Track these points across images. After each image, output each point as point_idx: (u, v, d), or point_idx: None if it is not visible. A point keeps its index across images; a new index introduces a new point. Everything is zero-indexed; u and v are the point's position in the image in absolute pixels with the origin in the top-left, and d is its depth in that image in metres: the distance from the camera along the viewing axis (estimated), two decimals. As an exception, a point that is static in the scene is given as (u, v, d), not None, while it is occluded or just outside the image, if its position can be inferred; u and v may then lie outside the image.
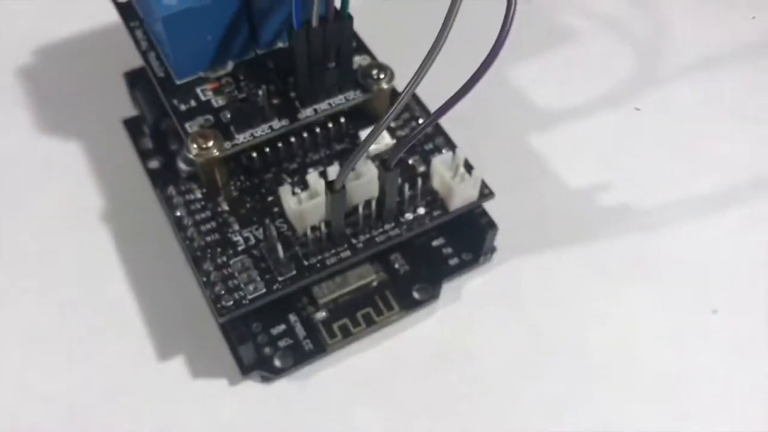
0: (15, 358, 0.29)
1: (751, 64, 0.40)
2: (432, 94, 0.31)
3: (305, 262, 0.27)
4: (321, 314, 0.30)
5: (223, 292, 0.26)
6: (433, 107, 0.31)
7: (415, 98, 0.32)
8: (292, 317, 0.29)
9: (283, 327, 0.29)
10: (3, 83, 0.38)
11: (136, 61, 0.34)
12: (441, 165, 0.28)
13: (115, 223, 0.33)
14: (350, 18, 0.27)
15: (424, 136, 0.31)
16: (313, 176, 0.27)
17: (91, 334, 0.30)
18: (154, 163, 0.34)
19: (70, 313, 0.31)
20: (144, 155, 0.34)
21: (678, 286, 0.32)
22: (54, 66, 0.39)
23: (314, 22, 0.26)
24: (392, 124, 0.31)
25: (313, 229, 0.28)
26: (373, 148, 0.30)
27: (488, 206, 0.30)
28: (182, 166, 0.32)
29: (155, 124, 0.33)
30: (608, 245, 0.33)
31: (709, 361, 0.30)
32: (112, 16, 0.33)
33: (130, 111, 0.36)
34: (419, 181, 0.28)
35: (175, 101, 0.29)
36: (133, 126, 0.35)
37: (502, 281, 0.31)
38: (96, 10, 0.40)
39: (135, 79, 0.34)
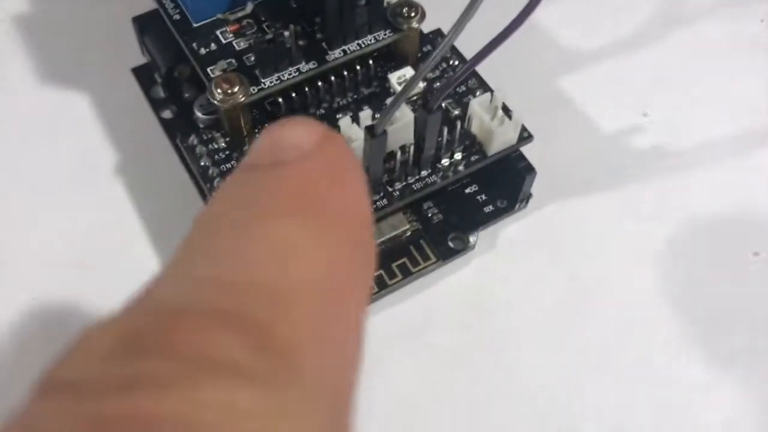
0: (36, 319, 0.28)
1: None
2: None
3: (340, 212, 0.26)
4: (355, 266, 0.28)
5: (255, 244, 0.25)
6: (462, 47, 0.30)
7: (443, 36, 0.31)
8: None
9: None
10: (-3, 33, 0.36)
11: (143, 4, 0.33)
12: (479, 108, 0.27)
13: (130, 177, 0.32)
14: (383, -51, 0.25)
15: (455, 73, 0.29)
16: (345, 122, 0.26)
17: (112, 295, 0.29)
18: (167, 113, 0.32)
19: (90, 275, 0.29)
20: (156, 105, 0.32)
21: (715, 227, 0.31)
22: (51, 10, 0.37)
23: (346, -45, 0.24)
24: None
25: (347, 177, 0.26)
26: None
27: (522, 151, 0.29)
28: (200, 114, 0.30)
29: (169, 72, 0.31)
30: (642, 188, 0.32)
31: (751, 304, 0.29)
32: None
33: (137, 58, 0.34)
34: (458, 124, 0.26)
35: (195, 45, 0.27)
36: (143, 74, 0.33)
37: (538, 228, 0.30)
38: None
39: (145, 24, 0.32)
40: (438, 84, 0.29)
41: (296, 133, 0.13)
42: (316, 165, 0.13)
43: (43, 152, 0.32)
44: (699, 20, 0.37)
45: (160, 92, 0.33)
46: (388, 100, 0.27)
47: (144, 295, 0.12)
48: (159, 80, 0.32)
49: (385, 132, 0.24)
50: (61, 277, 0.29)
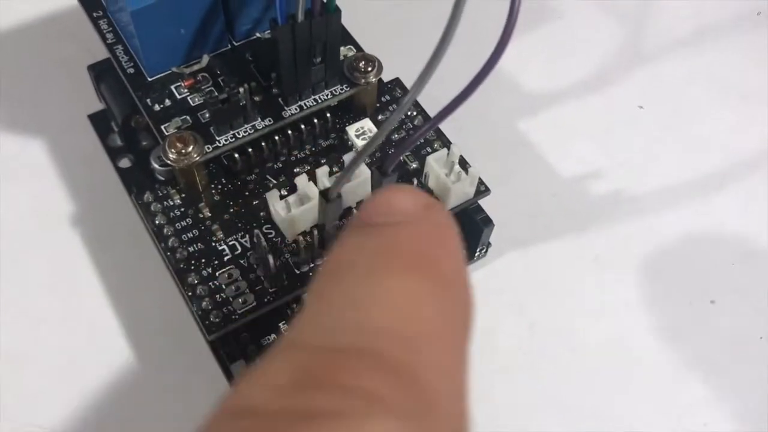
0: (-13, 380, 0.28)
1: (739, 39, 0.39)
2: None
3: (297, 271, 0.26)
4: (313, 322, 0.28)
5: (210, 307, 0.25)
6: (422, 99, 0.30)
7: (402, 88, 0.31)
8: (283, 326, 0.28)
9: (273, 337, 0.28)
10: (-47, 75, 0.36)
11: (100, 50, 0.32)
12: (436, 163, 0.27)
13: (86, 227, 0.31)
14: (338, 11, 0.25)
15: (414, 131, 0.29)
16: (301, 179, 0.26)
17: (67, 351, 0.28)
18: (124, 162, 0.32)
19: (42, 329, 0.29)
20: (113, 153, 0.32)
21: (673, 275, 0.31)
22: (6, 53, 0.36)
23: (300, 17, 0.24)
24: (380, 117, 0.30)
25: (304, 234, 0.26)
26: (361, 144, 0.28)
27: (481, 199, 0.29)
28: (156, 165, 0.30)
29: (125, 121, 0.31)
30: (601, 235, 0.32)
31: (708, 352, 0.29)
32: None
33: (95, 104, 0.34)
34: (414, 182, 0.26)
35: (149, 101, 0.27)
36: (99, 121, 0.33)
37: (497, 277, 0.31)
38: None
39: (101, 72, 0.32)
40: (394, 146, 0.29)
41: (405, 199, 0.16)
42: (427, 229, 0.15)
43: (-2, 199, 0.32)
44: (657, 60, 0.38)
45: (117, 140, 0.32)
46: (346, 156, 0.27)
47: (295, 336, 0.14)
48: (116, 129, 0.32)
49: (339, 195, 0.24)
50: (14, 327, 0.29)
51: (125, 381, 0.28)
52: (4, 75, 0.36)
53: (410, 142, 0.24)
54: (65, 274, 0.30)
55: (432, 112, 0.28)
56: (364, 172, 0.26)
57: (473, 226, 0.29)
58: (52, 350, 0.28)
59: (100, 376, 0.28)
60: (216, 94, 0.27)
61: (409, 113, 0.30)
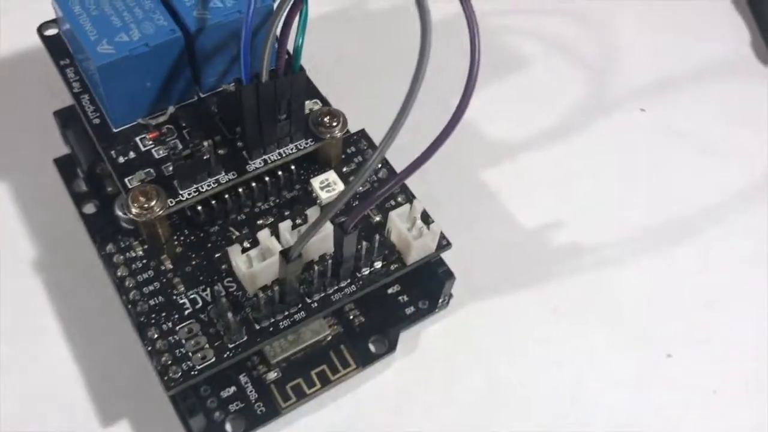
0: (-58, 431, 0.27)
1: (698, 92, 0.40)
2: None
3: (257, 326, 0.26)
4: (273, 374, 0.28)
5: (170, 362, 0.25)
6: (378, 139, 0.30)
7: (367, 140, 0.31)
8: (243, 378, 0.28)
9: (233, 389, 0.28)
10: None
11: (66, 93, 0.32)
12: (398, 218, 0.27)
13: (48, 273, 0.31)
14: (302, 71, 0.25)
15: (379, 184, 0.29)
16: (263, 234, 0.26)
17: (24, 401, 0.28)
18: (89, 207, 0.32)
19: (3, 378, 0.28)
20: (78, 198, 0.32)
21: (632, 327, 0.32)
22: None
23: (264, 77, 0.24)
24: (345, 169, 0.30)
25: (264, 288, 0.26)
26: (325, 196, 0.29)
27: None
28: (120, 213, 0.30)
29: (90, 167, 0.31)
30: (561, 286, 0.32)
31: (664, 405, 0.30)
32: (29, 38, 0.30)
33: (60, 148, 0.34)
34: (377, 237, 0.27)
35: (113, 153, 0.27)
36: (65, 166, 0.33)
37: (458, 328, 0.31)
38: (19, 32, 0.37)
39: (67, 119, 0.32)
40: (358, 201, 0.29)
41: None
42: None
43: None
44: (618, 111, 0.38)
45: (83, 186, 0.32)
46: (309, 212, 0.27)
47: None
48: (81, 174, 0.32)
49: (300, 256, 0.24)
50: (-28, 382, 0.28)
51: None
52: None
53: (374, 199, 0.24)
54: (26, 322, 0.30)
55: (396, 159, 0.28)
56: (327, 228, 0.26)
57: (434, 279, 0.29)
58: (12, 398, 0.28)
59: (59, 426, 0.28)
60: (180, 147, 0.27)
61: (366, 156, 0.30)
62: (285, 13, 0.23)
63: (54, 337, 0.30)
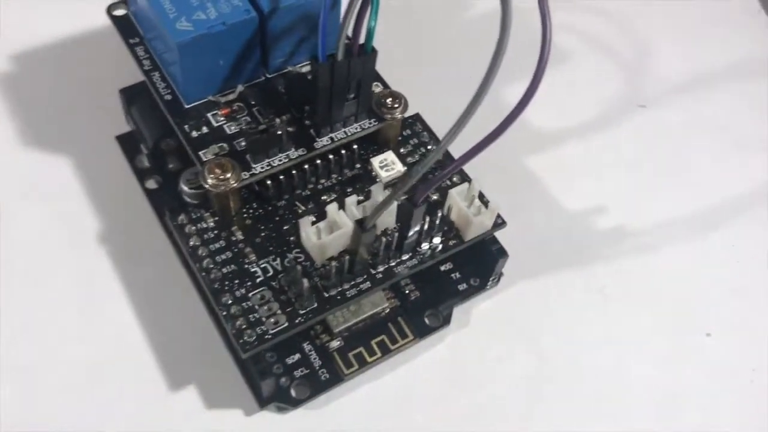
0: (15, 395, 0.28)
1: (733, 87, 0.41)
2: (436, 118, 0.32)
3: (326, 294, 0.27)
4: (336, 343, 0.30)
5: (244, 326, 0.26)
6: (436, 128, 0.32)
7: (422, 123, 0.32)
8: (307, 346, 0.29)
9: (297, 356, 0.29)
10: (-20, 92, 0.36)
11: (126, 72, 0.33)
12: (458, 197, 0.28)
13: (112, 245, 0.32)
14: (374, 52, 0.27)
15: (438, 165, 0.31)
16: (332, 207, 0.27)
17: (95, 366, 0.29)
18: (151, 183, 0.33)
19: (71, 344, 0.30)
20: (141, 174, 0.33)
21: (672, 308, 0.33)
22: (36, 73, 0.37)
23: (339, 56, 0.26)
24: (402, 150, 0.31)
25: (332, 259, 0.27)
26: (385, 174, 0.30)
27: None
28: (186, 188, 0.31)
29: (155, 144, 0.32)
30: (605, 268, 0.34)
31: (703, 383, 0.31)
32: (99, 20, 0.31)
33: (121, 126, 0.35)
34: (439, 213, 0.28)
35: (186, 127, 0.28)
36: (127, 143, 0.34)
37: (508, 306, 0.32)
38: (82, 13, 0.39)
39: (132, 96, 0.33)
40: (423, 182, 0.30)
41: None
42: None
43: (26, 213, 0.33)
44: (656, 105, 0.40)
45: (145, 162, 0.33)
46: (374, 188, 0.28)
47: None
48: (144, 151, 0.33)
49: (374, 226, 0.25)
50: (41, 342, 0.29)
51: (150, 398, 0.29)
52: (33, 94, 0.36)
53: (439, 178, 0.25)
54: (92, 291, 0.31)
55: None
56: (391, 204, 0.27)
57: (488, 257, 0.31)
58: (79, 365, 0.29)
59: (126, 391, 0.29)
60: (253, 124, 0.28)
61: (429, 147, 0.31)
62: (362, -2, 0.25)
63: (120, 306, 0.31)
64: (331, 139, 0.29)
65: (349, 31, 0.25)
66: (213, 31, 0.27)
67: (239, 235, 0.28)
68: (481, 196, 0.29)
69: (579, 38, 0.42)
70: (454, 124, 0.23)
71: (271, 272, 0.27)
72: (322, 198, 0.30)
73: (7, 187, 0.33)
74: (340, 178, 0.30)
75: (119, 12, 0.31)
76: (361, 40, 0.26)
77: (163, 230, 0.32)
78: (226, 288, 0.27)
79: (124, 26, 0.31)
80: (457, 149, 0.25)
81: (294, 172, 0.29)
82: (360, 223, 0.25)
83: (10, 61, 0.37)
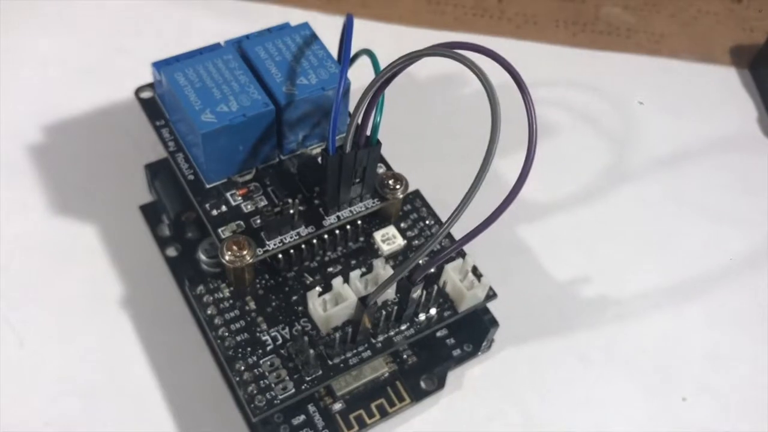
0: (44, 446, 0.31)
1: (712, 163, 0.44)
2: (434, 187, 0.35)
3: (330, 362, 0.30)
4: (338, 405, 0.32)
5: (255, 392, 0.29)
6: (435, 197, 0.35)
7: (422, 199, 0.35)
8: (311, 408, 0.32)
9: (303, 417, 0.31)
10: (13, 160, 0.39)
11: (149, 146, 0.36)
12: (452, 272, 0.31)
13: (133, 308, 0.35)
14: (379, 144, 0.30)
15: (443, 250, 0.33)
16: (337, 281, 0.30)
17: (113, 421, 0.32)
18: (171, 251, 0.36)
19: (91, 401, 0.32)
20: (161, 242, 0.36)
21: (651, 373, 0.35)
22: (64, 145, 0.40)
23: (348, 148, 0.29)
24: (402, 225, 0.34)
25: (336, 329, 0.30)
26: (386, 248, 0.33)
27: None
28: (204, 257, 0.34)
29: (177, 216, 0.35)
30: (589, 335, 0.36)
31: (680, 444, 0.33)
32: (127, 97, 0.34)
33: (144, 195, 0.38)
34: (435, 286, 0.31)
35: (207, 206, 0.31)
36: (149, 212, 0.37)
37: (498, 370, 0.35)
38: (111, 90, 0.42)
39: (156, 172, 0.36)
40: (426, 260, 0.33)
41: None
42: None
43: (51, 277, 0.35)
44: (639, 179, 0.43)
45: (166, 231, 0.36)
46: (376, 262, 0.31)
47: None
48: (166, 221, 0.36)
49: (376, 303, 0.28)
50: (69, 404, 0.32)
51: (166, 451, 0.31)
52: (63, 164, 0.39)
53: (438, 259, 0.28)
54: (114, 352, 0.34)
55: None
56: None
57: (481, 325, 0.33)
58: (101, 422, 0.32)
59: (144, 446, 0.31)
60: (266, 204, 0.31)
61: (427, 222, 0.34)
62: (370, 98, 0.28)
63: (140, 366, 0.33)
64: (338, 217, 0.31)
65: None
66: (234, 123, 0.30)
67: (252, 305, 0.31)
68: (475, 270, 0.32)
69: (566, 112, 0.46)
70: (453, 212, 0.26)
71: (281, 340, 0.30)
72: (328, 269, 0.32)
73: (37, 251, 0.36)
74: (344, 250, 0.33)
75: (146, 95, 0.35)
76: (368, 132, 0.29)
77: (181, 295, 0.35)
78: (240, 355, 0.29)
79: (151, 108, 0.34)
80: (456, 226, 0.27)
81: (303, 246, 0.32)
82: (363, 300, 0.28)
83: (43, 132, 0.41)
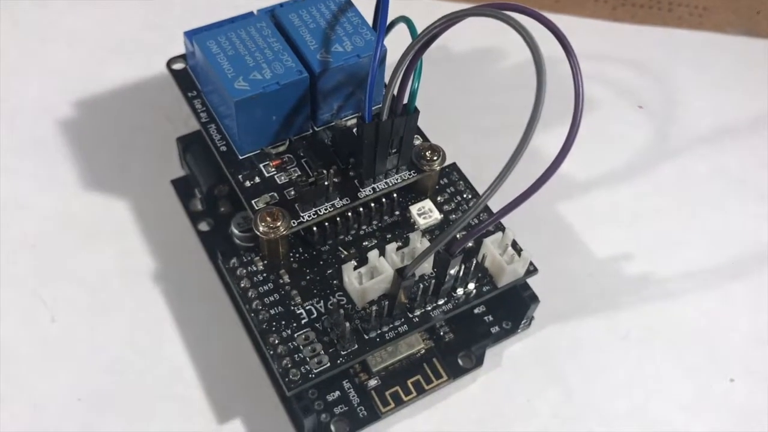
0: (76, 421, 0.30)
1: (756, 140, 0.42)
2: (472, 162, 0.34)
3: (366, 336, 0.29)
4: (373, 382, 0.31)
5: (290, 365, 0.28)
6: (472, 172, 0.34)
7: (459, 173, 0.34)
8: (346, 384, 0.31)
9: (337, 393, 0.31)
10: (43, 136, 0.39)
11: (179, 120, 0.36)
12: (492, 245, 0.30)
13: (166, 283, 0.34)
14: (416, 112, 0.29)
15: (482, 222, 0.32)
16: (372, 254, 0.29)
17: (146, 396, 0.31)
18: (203, 225, 0.35)
19: (124, 375, 0.32)
20: (194, 217, 0.36)
21: (696, 354, 0.34)
22: (95, 121, 0.40)
23: (384, 116, 0.28)
24: (439, 198, 0.33)
25: (372, 303, 0.29)
26: (422, 222, 0.32)
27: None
28: (237, 231, 0.33)
29: (210, 189, 0.34)
30: (631, 314, 0.35)
31: (727, 427, 0.32)
32: (159, 70, 0.34)
33: (176, 169, 0.37)
34: (473, 260, 0.30)
35: (240, 177, 0.30)
36: (181, 187, 0.36)
37: (538, 348, 0.34)
38: (142, 63, 0.41)
39: (188, 145, 0.35)
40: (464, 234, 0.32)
41: None
42: None
43: (84, 253, 0.35)
44: (681, 156, 0.41)
45: (198, 205, 0.36)
46: (412, 235, 0.30)
47: None
48: (198, 195, 0.35)
49: (413, 275, 0.27)
50: (101, 380, 0.32)
51: (200, 430, 0.31)
52: (94, 139, 0.39)
53: (476, 231, 0.27)
54: (146, 328, 0.33)
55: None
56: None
57: (520, 302, 0.32)
58: (133, 396, 0.31)
59: (176, 424, 0.31)
60: (300, 174, 0.30)
61: (464, 196, 0.33)
62: (407, 63, 0.27)
63: (172, 342, 0.33)
64: (374, 189, 0.31)
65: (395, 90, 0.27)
66: (268, 91, 0.29)
67: (286, 278, 0.30)
68: (515, 244, 0.31)
69: (606, 87, 0.44)
70: (493, 181, 0.24)
71: (315, 314, 0.29)
72: (364, 243, 0.32)
73: (69, 227, 0.36)
74: (380, 224, 0.32)
75: (178, 66, 0.34)
76: (405, 100, 0.28)
77: (214, 270, 0.34)
78: (274, 329, 0.29)
79: (183, 79, 0.34)
80: (494, 200, 0.26)
81: (338, 219, 0.31)
82: (400, 272, 0.27)
83: (74, 108, 0.40)
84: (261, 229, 0.29)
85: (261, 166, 0.31)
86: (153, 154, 0.38)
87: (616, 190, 0.40)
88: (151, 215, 0.36)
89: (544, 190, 0.39)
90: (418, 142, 0.32)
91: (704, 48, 0.47)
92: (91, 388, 0.31)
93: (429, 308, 0.30)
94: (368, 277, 0.29)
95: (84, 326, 0.33)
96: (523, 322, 0.33)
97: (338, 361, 0.28)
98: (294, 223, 0.29)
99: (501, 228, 0.32)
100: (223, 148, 0.31)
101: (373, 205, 0.32)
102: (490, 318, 0.33)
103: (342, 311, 0.28)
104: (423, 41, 0.26)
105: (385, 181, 0.31)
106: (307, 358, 0.28)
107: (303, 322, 0.29)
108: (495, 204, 0.26)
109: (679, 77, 0.45)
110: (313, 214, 0.30)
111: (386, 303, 0.29)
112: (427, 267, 0.30)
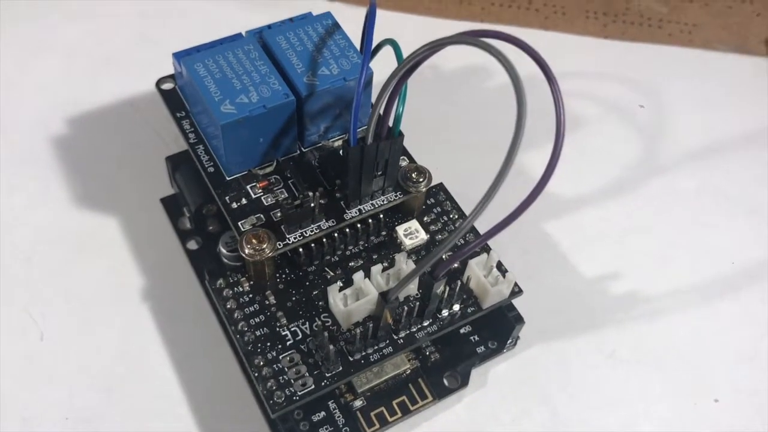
0: (64, 439, 0.31)
1: (745, 156, 0.43)
2: (458, 180, 0.34)
3: (350, 358, 0.29)
4: (359, 402, 0.31)
5: (274, 387, 0.28)
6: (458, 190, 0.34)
7: (445, 193, 0.34)
8: (332, 404, 0.31)
9: (323, 414, 0.31)
10: (35, 151, 0.39)
11: (170, 137, 0.36)
12: (477, 266, 0.30)
13: (154, 301, 0.35)
14: (401, 135, 0.29)
15: (467, 244, 0.32)
16: (358, 276, 0.29)
17: (134, 414, 0.31)
18: (192, 244, 0.36)
19: (111, 395, 0.32)
20: (183, 235, 0.36)
21: (681, 373, 0.34)
22: (87, 137, 0.40)
23: (369, 140, 0.28)
24: (425, 219, 0.33)
25: (357, 324, 0.29)
26: (409, 242, 0.32)
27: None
28: (224, 250, 0.33)
29: (198, 209, 0.35)
30: (617, 332, 0.35)
31: (712, 447, 0.32)
32: (147, 85, 0.34)
33: (165, 187, 0.37)
34: (458, 282, 0.30)
35: (227, 198, 0.31)
36: (171, 205, 0.37)
37: (525, 367, 0.34)
38: (131, 82, 0.42)
39: (177, 164, 0.35)
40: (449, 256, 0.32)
41: None
42: None
43: (72, 269, 0.35)
44: (670, 172, 0.41)
45: (187, 224, 0.36)
46: (398, 256, 0.30)
47: None
48: (187, 213, 0.36)
49: (397, 298, 0.27)
50: (89, 397, 0.32)
51: (185, 446, 0.31)
52: (85, 157, 0.39)
53: (461, 254, 0.27)
54: (134, 345, 0.33)
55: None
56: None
57: (506, 322, 0.33)
58: (121, 415, 0.31)
59: (164, 440, 0.31)
60: (286, 196, 0.30)
61: (451, 216, 0.33)
62: (392, 88, 0.27)
63: (161, 360, 0.33)
64: (359, 210, 0.31)
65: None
66: (254, 114, 0.29)
67: (272, 299, 0.30)
68: (500, 266, 0.31)
69: (596, 104, 0.44)
70: (476, 206, 0.25)
71: (300, 335, 0.30)
72: (350, 264, 0.32)
73: (58, 243, 0.36)
74: (366, 245, 0.32)
75: (167, 86, 0.34)
76: (390, 123, 0.28)
77: (201, 288, 0.35)
78: (259, 350, 0.29)
79: (172, 100, 0.34)
80: (481, 220, 0.26)
81: (324, 240, 0.31)
82: (384, 296, 0.27)
83: (67, 123, 0.40)
84: (246, 251, 0.29)
85: (248, 187, 0.31)
86: (144, 171, 0.38)
87: (604, 207, 0.40)
88: (140, 233, 0.37)
89: (532, 209, 0.40)
90: (404, 163, 0.32)
91: (694, 65, 0.47)
92: (79, 406, 0.32)
93: (414, 329, 0.30)
94: (353, 299, 0.29)
95: (72, 343, 0.33)
96: (508, 342, 0.33)
97: (322, 384, 0.28)
98: (280, 245, 0.29)
99: (486, 249, 0.32)
100: (211, 169, 0.32)
101: (359, 225, 0.32)
102: (476, 338, 0.34)
103: (326, 333, 0.29)
104: (408, 67, 0.26)
105: (371, 202, 0.31)
106: (292, 380, 0.28)
107: (288, 343, 0.29)
108: (481, 224, 0.26)
109: (668, 94, 0.45)
110: (299, 236, 0.30)
111: (371, 324, 0.29)
112: (412, 288, 0.30)
